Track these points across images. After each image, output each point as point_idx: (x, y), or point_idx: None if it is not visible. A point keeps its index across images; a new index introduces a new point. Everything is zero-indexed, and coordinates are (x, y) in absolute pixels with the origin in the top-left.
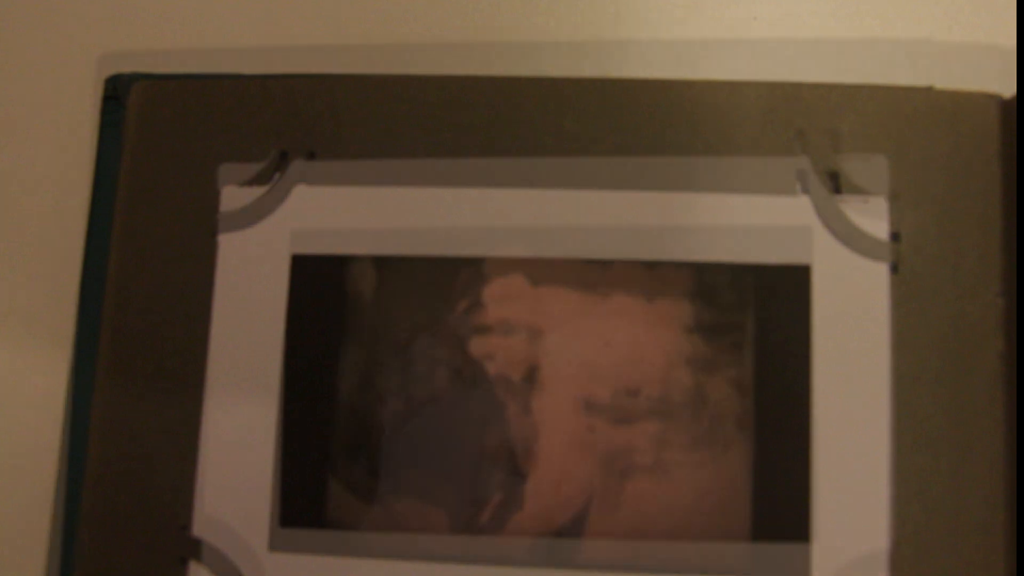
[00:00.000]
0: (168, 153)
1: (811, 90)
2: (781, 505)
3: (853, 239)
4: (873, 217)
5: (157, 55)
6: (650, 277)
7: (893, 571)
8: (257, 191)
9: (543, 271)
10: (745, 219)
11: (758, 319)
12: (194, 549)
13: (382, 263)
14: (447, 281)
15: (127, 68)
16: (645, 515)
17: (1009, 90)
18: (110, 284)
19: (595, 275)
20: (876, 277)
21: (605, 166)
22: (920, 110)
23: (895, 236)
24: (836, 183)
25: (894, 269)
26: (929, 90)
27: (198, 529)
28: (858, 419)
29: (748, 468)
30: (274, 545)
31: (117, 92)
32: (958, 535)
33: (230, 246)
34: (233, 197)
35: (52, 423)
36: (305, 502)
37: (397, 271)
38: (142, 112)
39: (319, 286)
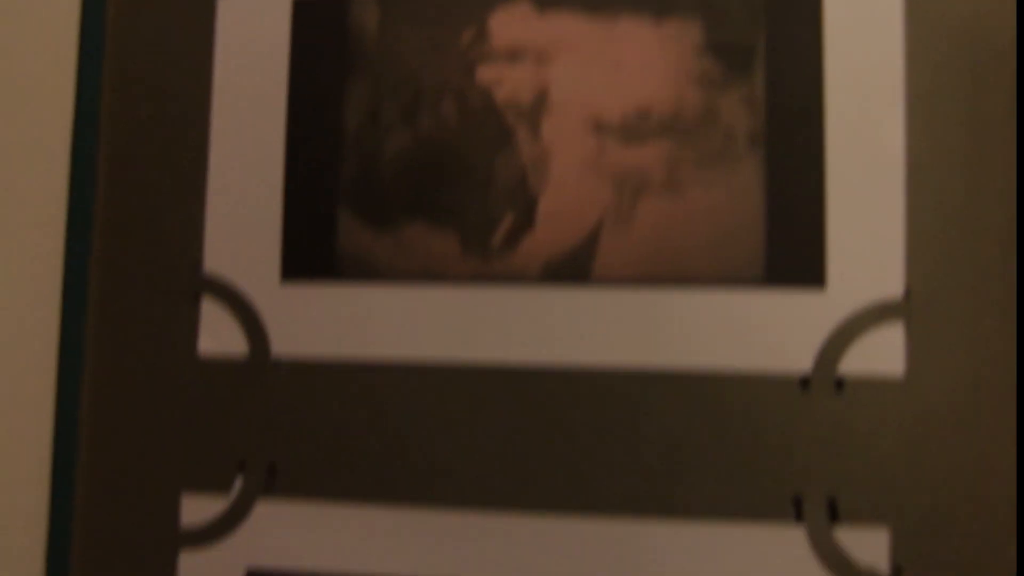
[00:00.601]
0: None
1: None
2: (796, 244)
3: None
4: None
5: None
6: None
7: (907, 318)
8: None
9: None
10: None
11: (769, 37)
12: (206, 285)
13: None
14: (452, 11)
15: None
16: (658, 233)
17: None
18: (109, 33)
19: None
20: None
21: None
22: None
23: None
24: None
25: None
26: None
27: (209, 265)
28: (872, 141)
29: (760, 187)
30: (286, 275)
31: None
32: (972, 282)
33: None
34: None
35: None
36: (315, 232)
37: (400, 3)
38: None
39: (321, 23)
